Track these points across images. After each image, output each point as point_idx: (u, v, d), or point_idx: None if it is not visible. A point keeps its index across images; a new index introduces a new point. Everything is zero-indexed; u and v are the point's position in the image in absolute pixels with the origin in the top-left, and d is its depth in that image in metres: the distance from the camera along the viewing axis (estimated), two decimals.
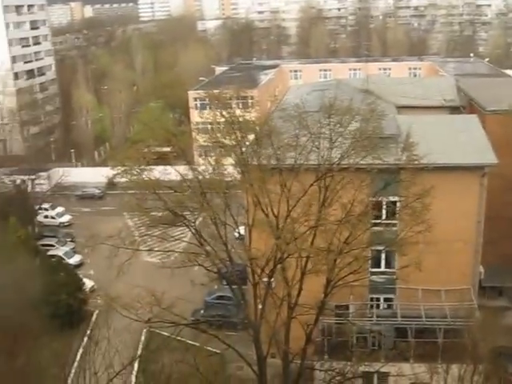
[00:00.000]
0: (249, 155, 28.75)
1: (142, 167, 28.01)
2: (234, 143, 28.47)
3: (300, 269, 29.19)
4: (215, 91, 29.58)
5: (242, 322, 43.87)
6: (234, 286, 32.40)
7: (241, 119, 28.64)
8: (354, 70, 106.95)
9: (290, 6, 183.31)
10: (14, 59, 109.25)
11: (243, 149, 28.99)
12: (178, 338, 34.61)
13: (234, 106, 29.38)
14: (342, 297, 33.24)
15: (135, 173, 27.88)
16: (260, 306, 30.86)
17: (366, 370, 33.58)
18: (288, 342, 30.56)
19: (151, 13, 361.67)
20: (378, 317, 37.10)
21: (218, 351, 36.89)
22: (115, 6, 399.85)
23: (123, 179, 28.66)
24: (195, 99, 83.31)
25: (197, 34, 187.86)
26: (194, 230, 29.12)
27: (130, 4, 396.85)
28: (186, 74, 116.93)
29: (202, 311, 48.21)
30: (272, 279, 29.75)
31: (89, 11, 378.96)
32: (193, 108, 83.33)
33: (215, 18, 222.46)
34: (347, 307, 37.41)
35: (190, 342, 37.11)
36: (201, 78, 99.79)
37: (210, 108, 31.15)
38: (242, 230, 31.43)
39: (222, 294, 49.59)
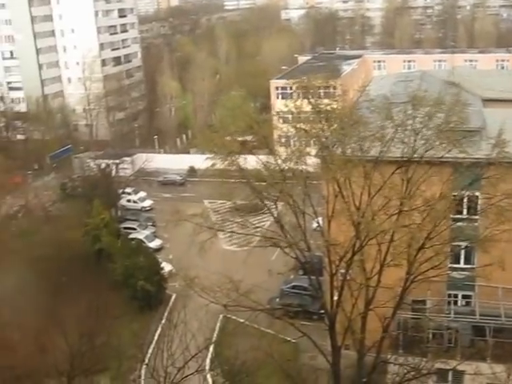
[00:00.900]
0: (333, 145, 28.57)
1: (229, 155, 28.29)
2: (319, 132, 28.34)
3: (379, 261, 28.89)
4: (303, 79, 29.43)
5: (317, 312, 44.02)
6: (311, 276, 32.43)
7: (328, 108, 28.49)
8: (439, 61, 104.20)
9: None
10: (102, 46, 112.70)
11: (327, 138, 28.84)
12: (253, 324, 35.10)
13: (313, 95, 29.23)
14: (419, 291, 32.63)
15: (222, 160, 28.20)
16: (336, 297, 30.76)
17: (441, 367, 32.88)
18: (364, 333, 30.34)
19: (236, 2, 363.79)
20: (455, 314, 36.32)
21: (292, 340, 37.14)
22: None
23: (210, 166, 29.02)
24: (277, 88, 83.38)
25: (280, 23, 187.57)
26: (273, 217, 29.30)
27: None
28: (268, 63, 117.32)
29: (277, 299, 48.45)
30: (350, 270, 29.55)
31: (175, 0, 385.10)
32: (274, 97, 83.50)
33: (299, 8, 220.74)
34: (424, 302, 36.76)
35: (264, 329, 37.62)
36: (283, 67, 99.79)
37: (293, 97, 31.14)
38: (320, 220, 31.32)
39: (297, 284, 49.69)
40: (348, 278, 29.92)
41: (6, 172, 65.19)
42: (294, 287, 49.97)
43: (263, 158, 29.79)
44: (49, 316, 43.87)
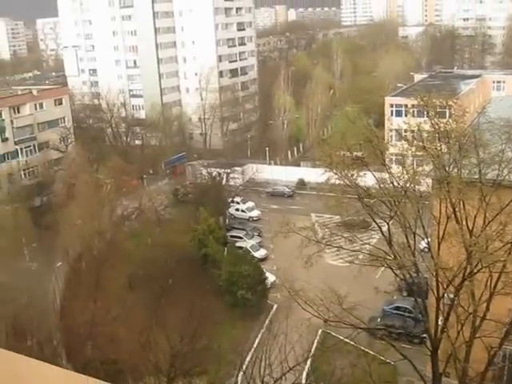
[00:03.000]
0: (449, 165, 27.90)
1: (345, 170, 28.38)
2: (436, 152, 27.79)
3: (489, 288, 27.83)
4: (422, 97, 29.00)
5: (419, 336, 42.91)
6: (416, 298, 31.76)
7: (446, 128, 27.93)
8: None
9: (498, 14, 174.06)
10: (219, 58, 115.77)
11: (444, 158, 28.22)
12: (352, 342, 34.72)
13: (435, 114, 28.72)
14: None
15: (338, 175, 28.35)
16: (441, 322, 29.91)
17: None
18: (467, 362, 29.28)
19: (353, 18, 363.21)
20: None
21: (391, 362, 36.43)
22: (318, 9, 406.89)
23: (325, 180, 29.22)
24: (392, 105, 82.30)
25: (397, 40, 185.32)
26: (383, 235, 29.03)
27: (333, 8, 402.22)
28: (384, 79, 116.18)
29: (379, 319, 47.70)
30: (458, 295, 28.65)
31: (292, 14, 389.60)
32: (389, 114, 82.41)
33: (417, 25, 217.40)
34: None
35: (363, 348, 37.10)
36: (399, 85, 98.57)
37: (409, 115, 30.79)
38: (429, 241, 30.63)
39: (401, 305, 48.76)
40: (455, 303, 29.04)
41: (124, 175, 68.17)
42: (396, 308, 49.00)
43: (377, 174, 29.61)
44: (153, 315, 45.61)
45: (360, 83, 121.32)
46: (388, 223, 29.54)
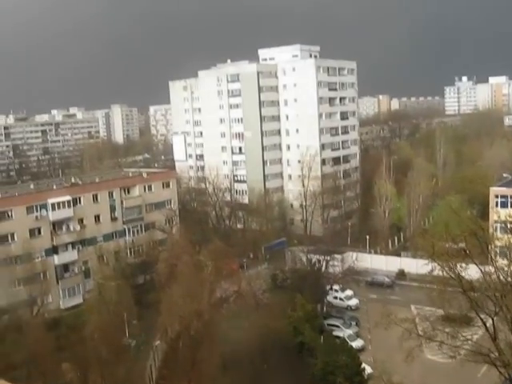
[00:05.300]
0: None
1: (449, 262, 27.95)
2: None
3: None
4: None
5: None
6: None
7: None
8: None
9: None
10: (322, 146, 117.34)
11: None
12: None
13: None
14: None
15: (441, 267, 27.93)
16: None
17: None
18: None
19: (457, 107, 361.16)
20: None
21: None
22: (421, 99, 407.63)
23: (428, 272, 28.82)
24: (497, 196, 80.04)
25: (503, 128, 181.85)
26: (487, 331, 27.92)
27: (437, 98, 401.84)
28: (488, 169, 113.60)
29: None
30: None
31: (395, 104, 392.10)
32: (493, 205, 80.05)
33: None
34: None
35: None
36: (504, 175, 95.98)
37: None
38: None
39: None
40: None
41: (225, 258, 69.47)
42: None
43: (481, 266, 28.85)
44: None
45: (463, 172, 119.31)
46: (493, 318, 28.44)
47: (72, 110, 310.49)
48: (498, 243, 33.56)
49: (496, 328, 28.67)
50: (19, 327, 58.78)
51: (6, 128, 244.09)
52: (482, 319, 28.47)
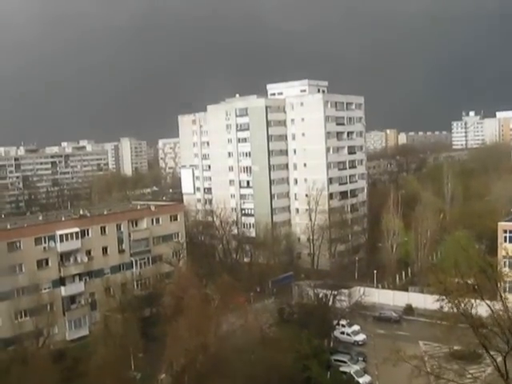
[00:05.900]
0: None
1: (459, 298, 27.86)
2: None
3: None
4: None
5: None
6: None
7: None
8: None
9: None
10: (330, 181, 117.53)
11: None
12: None
13: None
14: None
15: (451, 303, 27.83)
16: None
17: None
18: None
19: (464, 141, 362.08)
20: None
21: None
22: (429, 133, 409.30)
23: (438, 308, 28.70)
24: (505, 231, 79.81)
25: (511, 163, 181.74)
26: (497, 369, 27.67)
27: (444, 132, 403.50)
28: (496, 203, 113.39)
29: None
30: None
31: (403, 138, 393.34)
32: (502, 240, 79.79)
33: None
34: None
35: None
36: None
37: None
38: None
39: None
40: None
41: (231, 291, 69.25)
42: None
43: (490, 303, 28.73)
44: None
45: (471, 207, 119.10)
46: (504, 356, 28.17)
47: (82, 143, 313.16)
48: (506, 279, 33.48)
49: (506, 365, 28.44)
50: (25, 358, 58.68)
51: (16, 159, 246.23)
52: (491, 356, 28.20)
